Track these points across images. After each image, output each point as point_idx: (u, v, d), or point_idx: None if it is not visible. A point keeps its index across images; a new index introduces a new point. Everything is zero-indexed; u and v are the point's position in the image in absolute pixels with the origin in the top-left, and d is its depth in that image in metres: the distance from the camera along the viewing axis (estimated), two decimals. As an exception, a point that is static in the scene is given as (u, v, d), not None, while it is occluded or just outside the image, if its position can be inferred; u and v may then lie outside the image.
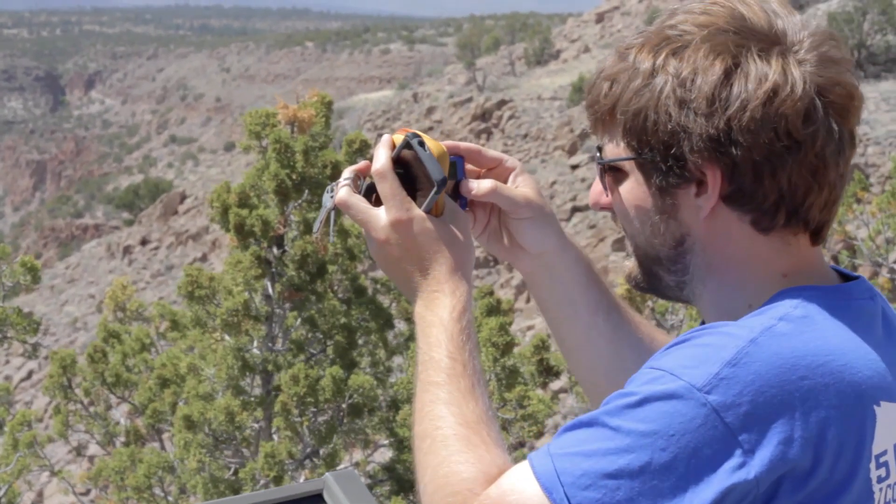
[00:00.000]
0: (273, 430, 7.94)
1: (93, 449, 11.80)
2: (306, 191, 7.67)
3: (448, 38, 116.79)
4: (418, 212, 1.31)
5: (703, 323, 1.30)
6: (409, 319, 8.53)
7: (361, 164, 1.38)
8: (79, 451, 10.36)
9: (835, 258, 13.78)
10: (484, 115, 39.33)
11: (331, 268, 8.03)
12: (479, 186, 1.38)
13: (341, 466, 8.03)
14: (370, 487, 7.30)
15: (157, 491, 8.31)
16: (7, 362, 34.70)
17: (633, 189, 1.26)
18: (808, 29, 1.20)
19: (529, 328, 21.91)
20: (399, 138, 1.34)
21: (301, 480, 7.55)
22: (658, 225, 1.24)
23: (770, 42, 1.18)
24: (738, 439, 1.05)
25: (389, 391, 8.23)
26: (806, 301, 1.16)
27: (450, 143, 1.38)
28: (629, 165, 1.25)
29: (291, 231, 7.88)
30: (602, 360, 1.48)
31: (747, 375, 1.07)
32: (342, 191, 1.35)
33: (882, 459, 1.15)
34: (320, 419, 7.69)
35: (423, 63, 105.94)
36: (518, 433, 7.50)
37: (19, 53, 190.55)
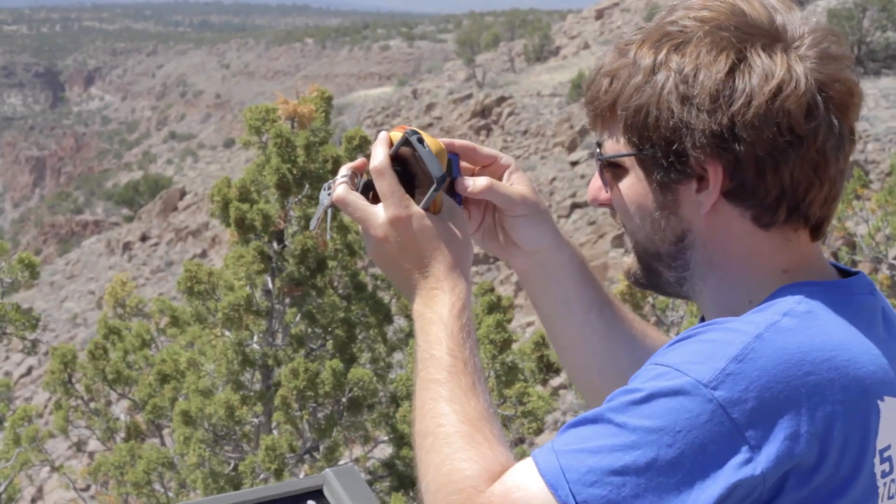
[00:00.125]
0: (273, 424, 7.95)
1: (93, 444, 11.81)
2: (307, 185, 7.67)
3: (448, 34, 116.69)
4: (417, 209, 1.30)
5: (702, 319, 1.30)
6: (409, 316, 8.53)
7: (358, 161, 1.38)
8: (79, 446, 10.37)
9: (835, 255, 13.78)
10: (483, 112, 39.31)
11: (331, 263, 8.04)
12: (475, 184, 1.38)
13: (341, 462, 8.03)
14: (370, 483, 7.31)
15: (157, 486, 8.31)
16: (7, 358, 34.71)
17: (633, 185, 1.25)
18: (809, 25, 1.20)
19: (529, 324, 21.92)
20: (396, 135, 1.34)
21: (301, 476, 7.55)
22: (658, 221, 1.24)
23: (772, 38, 1.18)
24: (745, 435, 1.05)
25: (389, 387, 8.23)
26: (809, 297, 1.16)
27: (444, 140, 1.38)
28: (629, 161, 1.25)
29: (291, 226, 7.88)
30: (596, 357, 1.48)
31: (753, 371, 1.07)
32: (340, 188, 1.34)
33: (886, 454, 1.15)
34: (320, 414, 7.69)
35: (423, 59, 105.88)
36: (518, 430, 7.51)
37: (19, 50, 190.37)
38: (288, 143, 7.59)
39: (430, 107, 44.12)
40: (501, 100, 39.51)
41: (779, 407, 1.06)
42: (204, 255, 39.99)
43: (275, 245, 7.85)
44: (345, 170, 1.37)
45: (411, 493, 8.03)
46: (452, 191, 1.38)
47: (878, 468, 1.14)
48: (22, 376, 32.91)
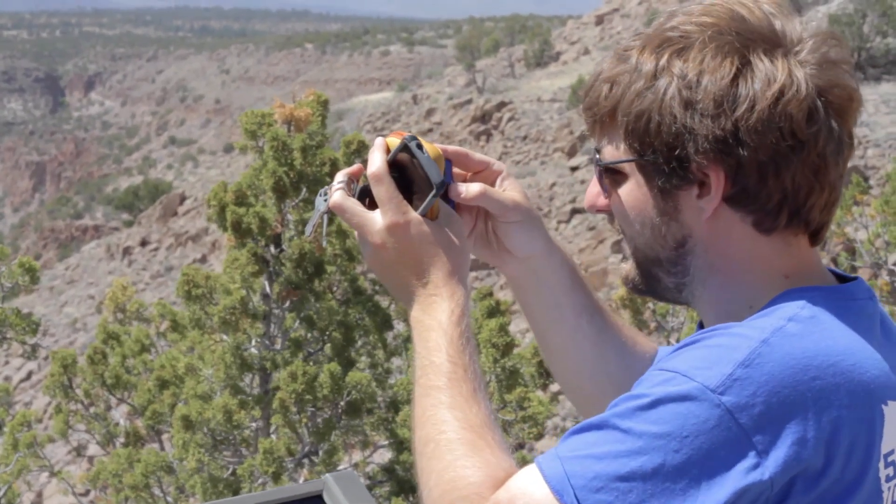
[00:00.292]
0: (272, 428, 7.94)
1: (92, 449, 11.79)
2: (304, 189, 7.66)
3: (448, 39, 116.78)
4: (415, 215, 1.29)
5: (700, 324, 1.30)
6: (408, 321, 8.52)
7: (354, 167, 1.37)
8: (79, 451, 10.35)
9: (834, 260, 13.78)
10: (483, 117, 39.33)
11: (329, 269, 8.03)
12: (468, 190, 1.36)
13: (341, 467, 8.02)
14: (369, 488, 7.29)
15: (156, 491, 8.30)
16: (6, 363, 34.69)
17: (633, 191, 1.25)
18: (809, 30, 1.20)
19: (528, 330, 21.88)
20: (393, 141, 1.33)
21: (300, 481, 7.54)
22: (659, 227, 1.24)
23: (772, 43, 1.18)
24: (753, 440, 1.05)
25: (388, 392, 8.22)
26: (811, 302, 1.17)
27: (437, 146, 1.37)
28: (630, 167, 1.24)
29: (289, 231, 7.88)
30: (587, 363, 1.47)
31: (761, 376, 1.07)
32: (337, 194, 1.33)
33: (890, 458, 1.15)
34: (318, 418, 7.68)
35: (423, 65, 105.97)
36: (518, 435, 7.50)
37: (19, 55, 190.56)
38: (284, 147, 7.58)
39: (429, 112, 44.15)
40: (501, 105, 39.53)
41: (786, 412, 1.06)
42: (204, 260, 39.99)
43: (272, 249, 7.84)
44: (341, 175, 1.36)
45: (411, 499, 8.02)
46: (446, 197, 1.37)
47: (883, 472, 1.14)
48: (22, 381, 32.89)
